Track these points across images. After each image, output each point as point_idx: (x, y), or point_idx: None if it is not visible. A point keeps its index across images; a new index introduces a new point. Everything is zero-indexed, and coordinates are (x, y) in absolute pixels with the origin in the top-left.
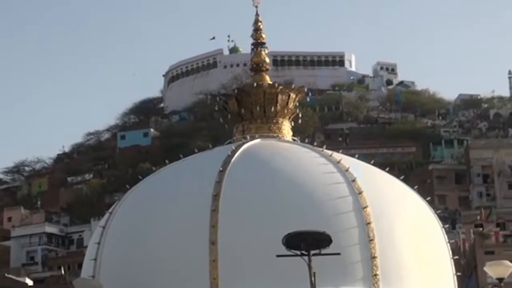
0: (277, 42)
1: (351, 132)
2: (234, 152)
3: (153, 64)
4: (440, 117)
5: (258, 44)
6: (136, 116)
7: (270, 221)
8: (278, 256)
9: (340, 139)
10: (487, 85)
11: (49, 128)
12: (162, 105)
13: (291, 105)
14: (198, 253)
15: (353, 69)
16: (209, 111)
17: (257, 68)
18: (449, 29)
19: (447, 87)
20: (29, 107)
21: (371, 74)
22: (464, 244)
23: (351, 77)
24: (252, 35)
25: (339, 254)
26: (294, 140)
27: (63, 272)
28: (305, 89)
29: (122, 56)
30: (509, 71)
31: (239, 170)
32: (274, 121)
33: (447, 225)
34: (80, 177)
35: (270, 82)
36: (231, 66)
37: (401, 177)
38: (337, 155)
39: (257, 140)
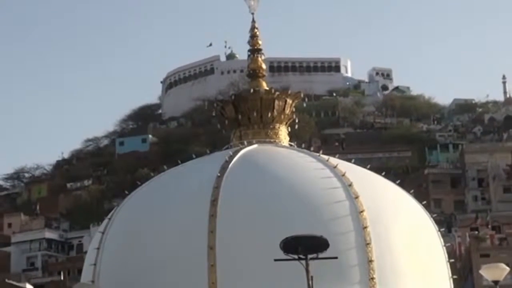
0: (273, 48)
1: (347, 137)
2: (231, 157)
3: (151, 70)
4: (435, 122)
5: (254, 50)
6: (134, 122)
7: (267, 226)
8: (276, 260)
9: (337, 144)
10: (481, 89)
11: (48, 135)
12: (160, 111)
13: (287, 111)
14: (197, 258)
15: (349, 74)
16: (207, 117)
17: (253, 74)
18: (444, 35)
19: (442, 92)
20: (28, 114)
21: (366, 80)
22: (460, 247)
23: (347, 83)
24: (248, 42)
25: (336, 258)
26: (291, 145)
27: (63, 277)
28: (302, 95)
29: (120, 63)
30: (503, 76)
31: (237, 176)
32: (271, 126)
33: (443, 229)
34: (79, 183)
35: (267, 88)
36: (228, 72)
37: (397, 182)
38: (333, 160)
39: (255, 146)
